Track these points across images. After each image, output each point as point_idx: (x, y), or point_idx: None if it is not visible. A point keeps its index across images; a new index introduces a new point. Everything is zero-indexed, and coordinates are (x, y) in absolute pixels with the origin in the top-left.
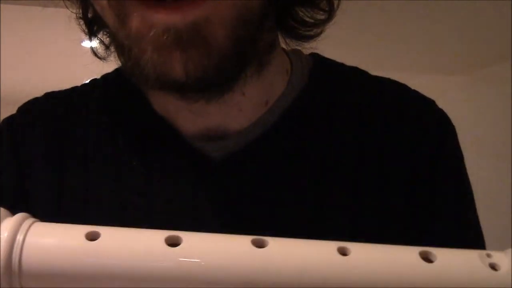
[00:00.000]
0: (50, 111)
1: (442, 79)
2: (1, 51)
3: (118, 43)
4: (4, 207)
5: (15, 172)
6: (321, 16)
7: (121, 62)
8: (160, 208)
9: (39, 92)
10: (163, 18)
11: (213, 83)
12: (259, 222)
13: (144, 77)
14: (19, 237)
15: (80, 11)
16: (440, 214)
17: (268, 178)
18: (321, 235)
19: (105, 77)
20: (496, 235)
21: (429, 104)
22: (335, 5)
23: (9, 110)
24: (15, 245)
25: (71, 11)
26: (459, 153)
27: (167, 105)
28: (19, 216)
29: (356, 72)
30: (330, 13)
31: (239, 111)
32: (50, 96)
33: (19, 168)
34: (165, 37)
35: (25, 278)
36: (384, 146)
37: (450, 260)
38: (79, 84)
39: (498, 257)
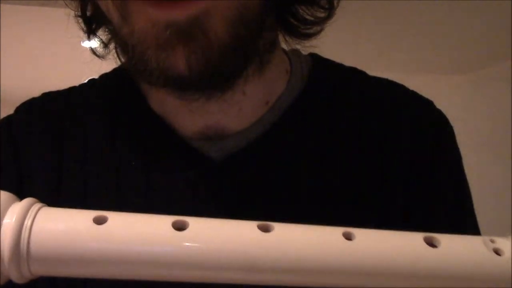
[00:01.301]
0: (48, 111)
1: (442, 79)
2: (1, 51)
3: (121, 41)
4: None
5: (13, 172)
6: (321, 14)
7: (124, 59)
8: (159, 209)
9: (39, 92)
10: (164, 14)
11: (215, 77)
12: None
13: (148, 73)
14: (27, 222)
15: (79, 10)
16: (438, 214)
17: (268, 179)
18: None
19: (103, 76)
20: (496, 235)
21: (427, 104)
22: (335, 3)
23: (9, 110)
24: (23, 230)
25: (71, 8)
26: (457, 153)
27: (166, 105)
28: (26, 201)
29: (355, 73)
30: (330, 11)
31: (239, 110)
32: (48, 96)
33: (17, 168)
34: (167, 33)
35: (33, 263)
36: (383, 146)
37: (454, 245)
38: (79, 83)
39: (502, 243)
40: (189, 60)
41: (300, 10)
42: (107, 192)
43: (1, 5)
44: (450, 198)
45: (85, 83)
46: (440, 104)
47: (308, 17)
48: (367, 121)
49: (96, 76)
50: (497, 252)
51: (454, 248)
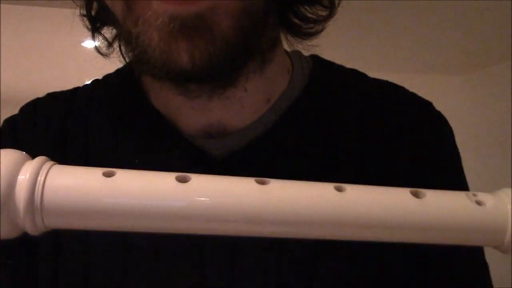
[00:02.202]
0: (52, 111)
1: (442, 79)
2: (1, 51)
3: (125, 31)
4: None
5: None
6: (322, 12)
7: (128, 51)
8: None
9: (39, 92)
10: (169, 8)
11: (218, 72)
12: None
13: (151, 65)
14: (40, 178)
15: (84, 8)
16: None
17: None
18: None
19: (107, 77)
20: None
21: (426, 105)
22: (336, 2)
23: (9, 110)
24: (37, 186)
25: (76, 4)
26: (457, 154)
27: (169, 103)
28: (39, 159)
29: (355, 74)
30: (332, 10)
31: (241, 107)
32: (52, 96)
33: None
34: (171, 26)
35: (47, 216)
36: (382, 147)
37: (439, 197)
38: (79, 84)
39: (483, 196)
40: (192, 54)
41: (302, 9)
42: None
43: (1, 5)
44: None
45: (88, 84)
46: (440, 104)
47: (310, 15)
48: (367, 122)
49: (97, 77)
50: (478, 203)
51: (438, 199)
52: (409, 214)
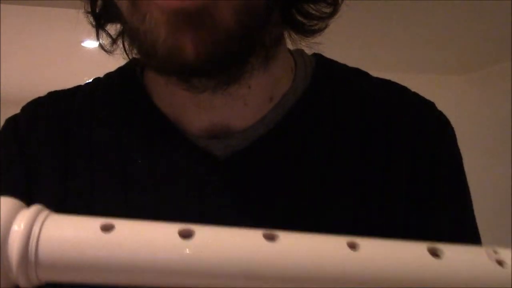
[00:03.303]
0: (54, 110)
1: (442, 79)
2: (1, 51)
3: (132, 28)
4: None
5: (20, 170)
6: (326, 9)
7: (134, 46)
8: (166, 207)
9: (39, 92)
10: (174, 4)
11: (220, 65)
12: (264, 221)
13: (158, 59)
14: (35, 230)
15: (88, 5)
16: (438, 216)
17: (272, 177)
18: (325, 233)
19: (108, 76)
20: (496, 236)
21: (428, 105)
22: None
23: (9, 110)
24: (31, 237)
25: (82, 0)
26: (458, 155)
27: (173, 101)
28: (34, 208)
29: (358, 73)
30: (335, 7)
31: (244, 105)
32: (54, 96)
33: (24, 168)
34: (177, 21)
35: (41, 270)
36: (385, 147)
37: (458, 255)
38: (79, 83)
39: (505, 254)
40: (197, 47)
41: (306, 6)
42: (114, 190)
43: (1, 5)
44: (450, 199)
45: (90, 82)
46: (440, 104)
47: (313, 12)
48: (369, 122)
49: (97, 76)
50: (499, 263)
51: (457, 258)
52: (426, 274)
